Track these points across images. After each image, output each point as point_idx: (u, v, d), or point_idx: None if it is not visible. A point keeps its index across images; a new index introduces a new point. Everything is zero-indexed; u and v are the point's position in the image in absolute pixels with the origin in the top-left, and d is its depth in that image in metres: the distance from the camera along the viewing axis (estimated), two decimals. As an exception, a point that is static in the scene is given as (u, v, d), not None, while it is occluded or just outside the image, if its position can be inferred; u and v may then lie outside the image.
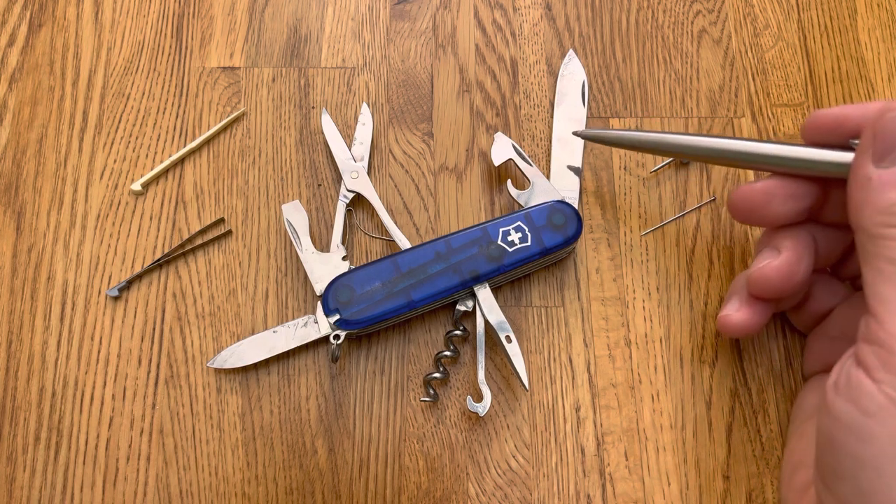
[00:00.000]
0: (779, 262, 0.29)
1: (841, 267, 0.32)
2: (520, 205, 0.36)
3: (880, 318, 0.23)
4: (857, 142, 0.26)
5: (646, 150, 0.33)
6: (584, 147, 0.38)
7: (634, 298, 0.36)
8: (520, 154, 0.37)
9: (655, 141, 0.32)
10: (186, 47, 0.41)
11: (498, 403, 0.34)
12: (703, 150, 0.31)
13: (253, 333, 0.35)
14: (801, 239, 0.29)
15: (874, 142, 0.25)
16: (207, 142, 0.39)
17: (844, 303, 0.31)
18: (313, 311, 0.35)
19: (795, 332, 0.35)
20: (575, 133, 0.36)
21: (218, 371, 0.35)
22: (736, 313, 0.31)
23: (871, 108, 0.26)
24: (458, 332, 0.34)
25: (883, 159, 0.24)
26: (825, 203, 0.30)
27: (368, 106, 0.40)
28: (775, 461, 0.33)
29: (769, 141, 0.30)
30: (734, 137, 0.30)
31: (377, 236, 0.37)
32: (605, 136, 0.34)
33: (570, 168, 0.38)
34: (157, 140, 0.39)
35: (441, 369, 0.34)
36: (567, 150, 0.38)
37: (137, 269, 0.37)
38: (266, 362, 0.35)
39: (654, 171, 0.38)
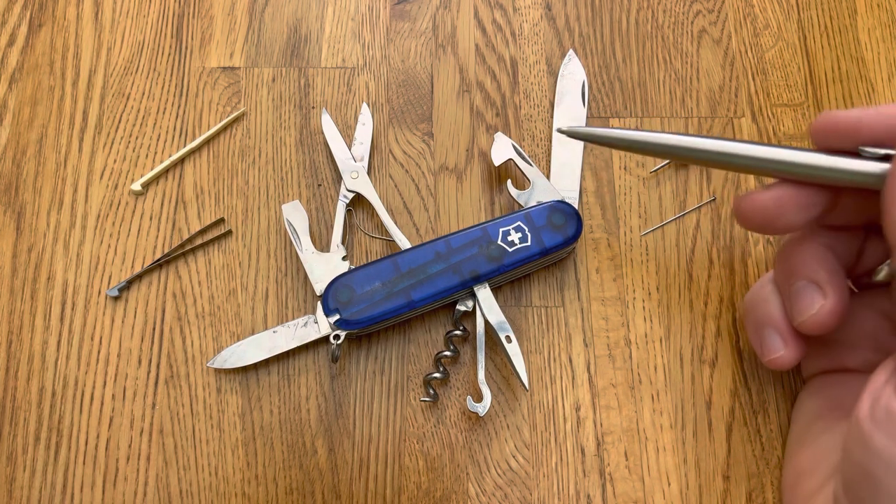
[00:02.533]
0: (832, 304, 0.27)
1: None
2: (520, 205, 0.36)
3: None
4: (870, 150, 0.25)
5: (639, 152, 0.30)
6: (584, 147, 0.38)
7: (634, 298, 0.36)
8: (520, 154, 0.37)
9: (649, 141, 0.29)
10: (186, 47, 0.41)
11: (498, 403, 0.34)
12: (702, 152, 0.28)
13: (253, 333, 0.35)
14: (832, 266, 0.28)
15: None
16: (207, 142, 0.39)
17: None
18: (313, 311, 0.35)
19: (795, 332, 0.35)
20: (559, 130, 0.32)
21: (218, 371, 0.35)
22: (786, 351, 0.29)
23: (887, 113, 0.25)
24: (458, 332, 0.34)
25: None
26: (834, 207, 0.28)
27: (368, 106, 0.40)
28: (775, 461, 0.33)
29: (775, 145, 0.28)
30: (735, 140, 0.28)
31: (377, 236, 0.37)
32: (592, 133, 0.31)
33: (570, 168, 0.37)
34: (157, 140, 0.39)
35: (441, 369, 0.34)
36: (567, 149, 0.38)
37: (137, 269, 0.37)
38: (266, 362, 0.35)
39: (654, 171, 0.38)
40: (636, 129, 0.34)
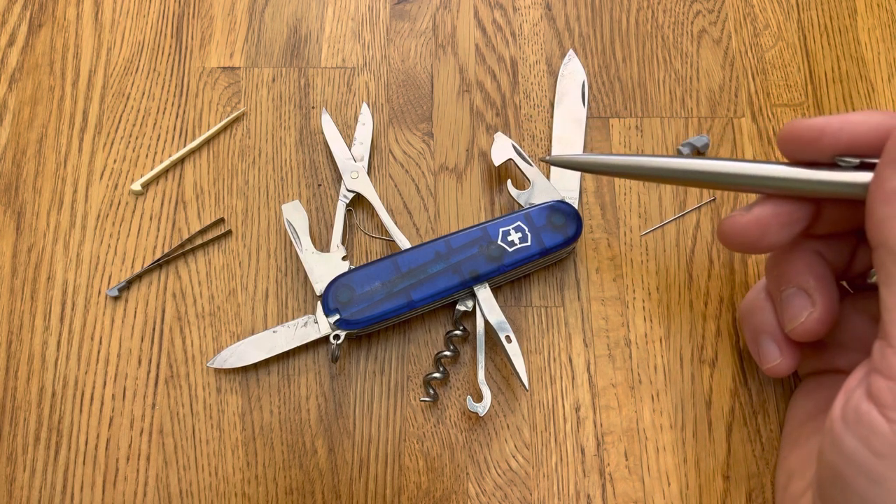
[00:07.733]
0: (819, 313, 0.27)
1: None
2: (520, 205, 0.36)
3: None
4: (847, 160, 0.25)
5: (623, 176, 0.31)
6: (584, 146, 0.38)
7: (634, 298, 0.36)
8: (520, 154, 0.37)
9: (632, 165, 0.30)
10: (186, 47, 0.41)
11: (498, 403, 0.34)
12: (683, 172, 0.28)
13: (253, 333, 0.35)
14: (821, 272, 0.28)
15: None
16: (207, 142, 0.39)
17: None
18: (313, 311, 0.35)
19: (795, 332, 0.35)
20: (542, 160, 0.33)
21: (218, 371, 0.35)
22: (783, 360, 0.30)
23: (852, 120, 0.25)
24: (458, 332, 0.34)
25: None
26: (818, 219, 0.28)
27: (368, 106, 0.40)
28: (775, 461, 0.33)
29: (753, 161, 0.28)
30: (716, 158, 0.28)
31: (377, 236, 0.37)
32: (576, 161, 0.31)
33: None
34: (157, 140, 0.39)
35: (441, 369, 0.34)
36: (567, 150, 0.38)
37: (137, 269, 0.37)
38: (266, 362, 0.35)
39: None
40: (626, 153, 0.34)
